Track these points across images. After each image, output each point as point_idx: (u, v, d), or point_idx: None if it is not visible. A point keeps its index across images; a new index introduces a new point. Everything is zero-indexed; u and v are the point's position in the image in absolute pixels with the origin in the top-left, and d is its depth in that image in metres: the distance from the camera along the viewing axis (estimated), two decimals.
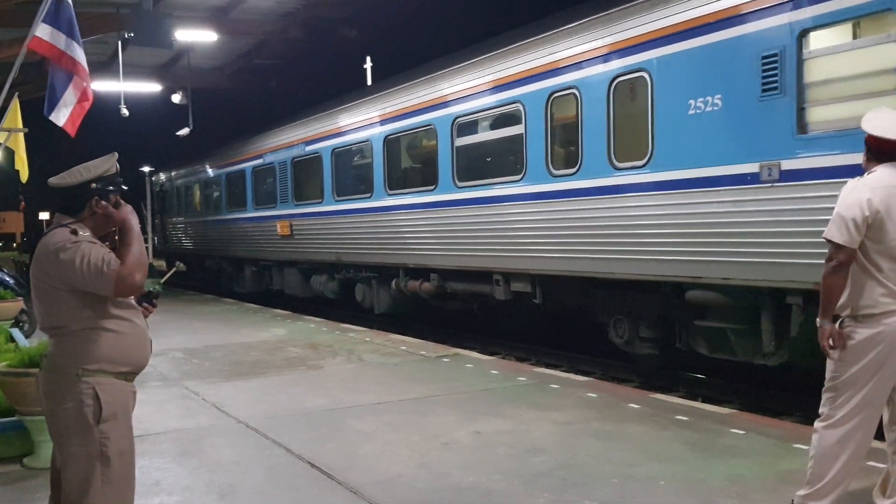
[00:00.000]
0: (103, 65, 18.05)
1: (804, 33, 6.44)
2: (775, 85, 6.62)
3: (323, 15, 15.64)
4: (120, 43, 15.40)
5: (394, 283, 12.85)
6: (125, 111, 16.68)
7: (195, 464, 5.49)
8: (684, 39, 7.40)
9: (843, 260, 3.78)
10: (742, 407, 7.61)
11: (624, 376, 9.42)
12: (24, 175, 10.17)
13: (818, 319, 3.91)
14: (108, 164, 3.41)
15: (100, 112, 10.65)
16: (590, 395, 7.26)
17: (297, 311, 15.85)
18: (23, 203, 34.82)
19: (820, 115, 6.43)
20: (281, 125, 16.78)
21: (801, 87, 6.49)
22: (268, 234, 17.25)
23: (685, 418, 6.25)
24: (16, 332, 9.59)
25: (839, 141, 6.12)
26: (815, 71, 6.44)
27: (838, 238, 3.78)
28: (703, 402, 7.48)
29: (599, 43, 8.32)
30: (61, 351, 3.21)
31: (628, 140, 8.14)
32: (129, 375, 3.32)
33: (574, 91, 8.67)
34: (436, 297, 12.14)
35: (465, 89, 10.51)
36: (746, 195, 6.86)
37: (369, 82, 18.74)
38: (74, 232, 3.21)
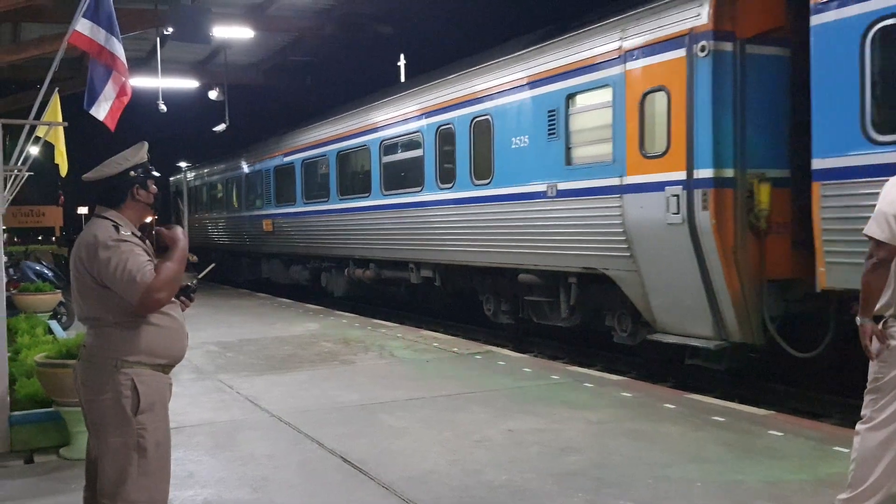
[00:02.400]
0: (142, 61, 18.22)
1: (570, 97, 9.28)
2: (554, 130, 9.47)
3: (358, 11, 15.66)
4: (158, 39, 15.56)
5: (346, 271, 15.81)
6: (163, 107, 16.84)
7: (229, 456, 5.52)
8: (509, 94, 10.31)
9: (883, 257, 3.69)
10: (780, 408, 7.47)
11: (659, 376, 9.31)
12: (64, 169, 10.30)
13: (858, 318, 3.82)
14: (141, 151, 3.43)
15: (138, 107, 10.78)
16: (624, 394, 7.19)
17: (330, 307, 15.94)
18: (62, 197, 35.36)
19: (578, 152, 9.28)
20: (266, 140, 20.49)
21: (568, 133, 9.35)
22: (256, 231, 20.52)
23: (721, 419, 6.16)
24: (54, 324, 9.74)
25: (587, 170, 9.01)
26: (575, 122, 9.32)
27: (878, 234, 3.68)
28: (740, 402, 7.36)
29: (465, 92, 11.34)
30: (100, 342, 3.23)
31: (481, 163, 10.93)
32: (166, 368, 3.33)
33: (451, 125, 11.61)
34: (374, 282, 14.98)
35: (389, 119, 13.58)
36: (541, 206, 9.68)
37: (402, 79, 18.82)
38: (117, 228, 3.23)
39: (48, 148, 10.94)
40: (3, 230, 6.73)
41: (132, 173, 3.37)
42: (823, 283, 6.57)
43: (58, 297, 11.58)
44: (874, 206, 3.66)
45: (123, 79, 6.28)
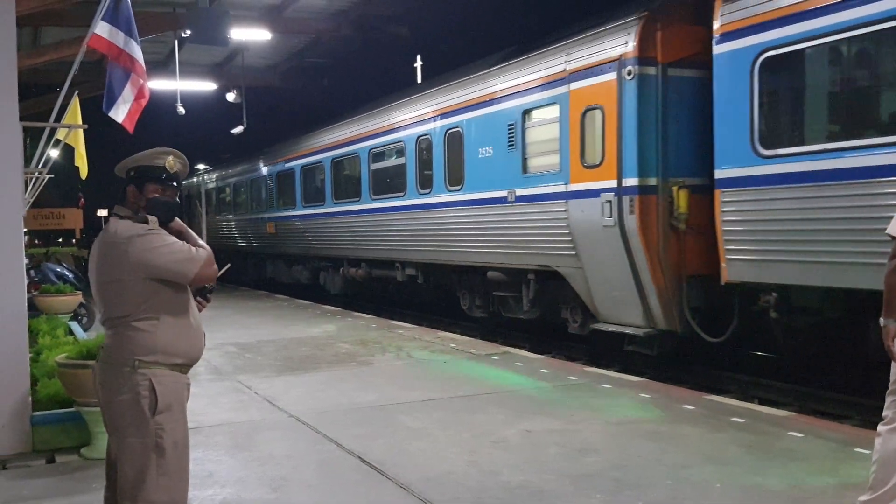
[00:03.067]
0: (160, 64, 18.34)
1: (526, 112, 10.31)
2: (513, 142, 10.54)
3: (374, 13, 15.66)
4: (176, 42, 15.65)
5: (341, 270, 17.05)
6: (181, 109, 16.94)
7: (247, 457, 5.54)
8: (477, 109, 11.38)
9: None
10: (800, 409, 7.43)
11: (677, 377, 9.27)
12: (84, 171, 10.39)
13: (882, 319, 3.78)
14: (164, 154, 3.45)
15: (157, 110, 10.86)
16: (642, 395, 7.16)
17: (347, 308, 15.97)
18: (82, 200, 35.61)
19: (532, 162, 10.31)
20: (269, 146, 21.71)
21: (524, 145, 10.39)
22: (261, 233, 21.84)
23: (741, 420, 6.12)
24: (74, 325, 9.83)
25: (540, 178, 10.04)
26: (530, 135, 10.36)
27: None
28: (760, 404, 7.31)
29: (440, 106, 12.42)
30: (118, 343, 3.25)
31: (454, 171, 11.97)
32: (184, 367, 3.35)
33: (429, 136, 12.72)
34: (366, 280, 16.13)
35: (376, 129, 14.66)
36: (503, 210, 10.74)
37: (419, 80, 18.87)
38: (145, 221, 3.28)
39: (68, 150, 11.04)
40: (24, 232, 6.79)
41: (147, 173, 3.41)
42: (726, 277, 7.65)
43: (78, 298, 11.68)
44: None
45: (142, 81, 6.33)
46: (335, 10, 15.42)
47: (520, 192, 10.40)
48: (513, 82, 10.59)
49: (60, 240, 46.93)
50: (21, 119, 6.08)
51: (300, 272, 19.90)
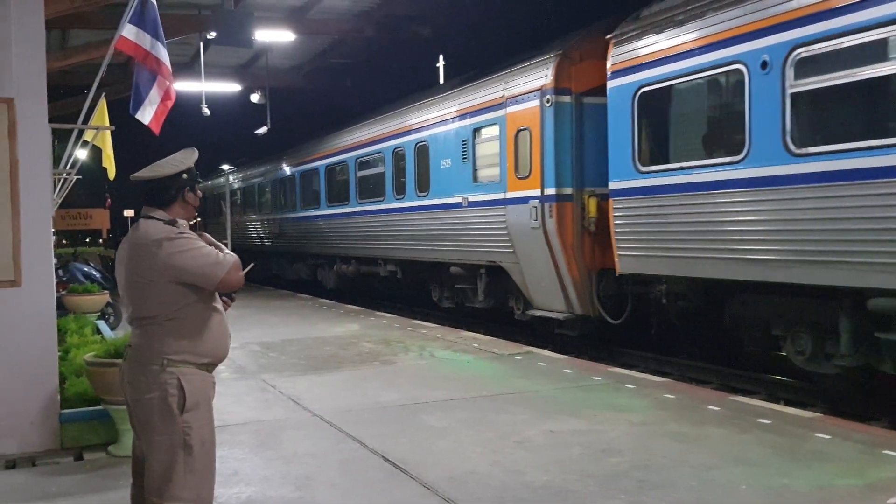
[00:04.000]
0: (186, 65, 18.49)
1: (476, 130, 12.11)
2: (466, 156, 12.33)
3: (397, 13, 15.70)
4: (202, 44, 15.79)
5: (334, 267, 18.96)
6: (206, 110, 17.08)
7: (272, 455, 5.58)
8: (440, 126, 13.17)
9: None
10: (827, 411, 7.34)
11: (702, 378, 9.21)
12: (112, 172, 10.49)
13: None
14: (193, 156, 3.50)
15: (182, 111, 10.95)
16: (667, 395, 7.11)
17: (370, 308, 16.03)
18: (109, 200, 35.98)
19: (481, 173, 12.06)
20: (274, 154, 23.71)
21: (475, 158, 12.15)
22: (266, 232, 24.14)
23: (767, 421, 6.06)
24: (102, 324, 9.93)
25: (486, 186, 11.78)
26: (479, 150, 12.09)
27: None
28: (786, 405, 7.25)
29: (411, 122, 14.27)
30: (147, 342, 3.29)
31: (422, 179, 13.77)
32: (210, 367, 3.38)
33: (403, 148, 14.48)
34: (356, 276, 18.05)
35: (362, 140, 16.59)
36: (460, 213, 12.49)
37: (441, 80, 18.90)
38: (174, 223, 3.32)
39: (95, 152, 11.15)
40: (53, 232, 6.88)
41: (185, 176, 3.44)
42: (619, 269, 9.36)
43: (105, 297, 11.80)
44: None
45: (168, 83, 6.38)
46: (358, 11, 15.49)
47: (472, 198, 12.16)
48: (467, 104, 12.38)
49: (88, 240, 47.45)
50: (49, 121, 6.17)
51: (301, 269, 21.95)
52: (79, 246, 33.52)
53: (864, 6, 6.35)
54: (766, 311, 7.93)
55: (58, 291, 9.30)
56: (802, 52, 6.90)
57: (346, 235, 17.62)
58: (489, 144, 11.75)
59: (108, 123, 9.75)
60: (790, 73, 7.02)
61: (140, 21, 6.22)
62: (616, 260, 9.31)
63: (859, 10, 6.39)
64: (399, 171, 14.68)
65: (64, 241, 38.05)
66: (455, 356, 9.53)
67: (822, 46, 6.73)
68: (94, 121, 9.19)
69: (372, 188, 16.11)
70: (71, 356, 6.67)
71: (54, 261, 7.46)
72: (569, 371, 8.45)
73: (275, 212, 23.14)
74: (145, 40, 6.22)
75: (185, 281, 3.25)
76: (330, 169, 18.57)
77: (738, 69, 7.58)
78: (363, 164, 16.53)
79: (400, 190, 14.64)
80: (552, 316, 10.66)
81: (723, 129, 8.19)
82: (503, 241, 11.31)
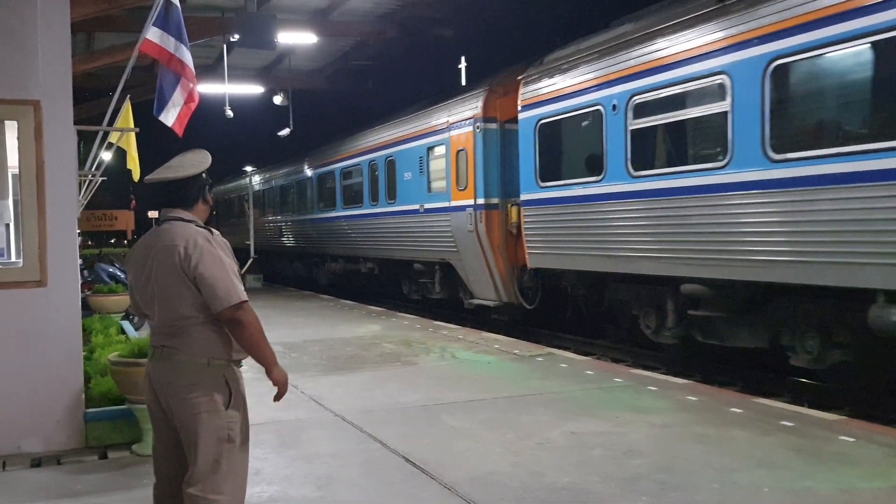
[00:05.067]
0: (209, 68, 18.62)
1: (429, 149, 14.42)
2: (423, 170, 14.68)
3: (419, 15, 15.70)
4: (225, 47, 15.90)
5: (325, 265, 21.67)
6: (230, 112, 17.19)
7: (294, 455, 5.61)
8: (403, 144, 15.59)
9: None
10: (851, 413, 7.25)
11: (725, 380, 9.14)
12: (136, 174, 10.60)
13: None
14: (208, 157, 3.52)
15: (205, 113, 11.04)
16: (689, 397, 7.07)
17: (391, 309, 16.06)
18: (133, 201, 36.37)
19: (433, 185, 14.34)
20: (276, 163, 26.62)
21: (429, 172, 14.47)
22: (269, 233, 26.31)
23: (790, 424, 6.01)
24: (126, 324, 10.01)
25: (436, 196, 14.11)
26: (432, 165, 14.41)
27: None
28: (810, 407, 7.18)
29: (382, 139, 16.75)
30: (188, 342, 3.31)
31: (391, 188, 16.20)
32: (239, 363, 3.46)
33: (376, 162, 17.00)
34: (344, 273, 20.58)
35: (345, 153, 19.17)
36: (417, 218, 14.80)
37: (464, 82, 18.94)
38: (209, 230, 3.33)
39: (120, 153, 11.26)
40: (78, 233, 6.95)
41: (204, 175, 3.47)
42: (529, 264, 11.71)
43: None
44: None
45: (191, 85, 6.44)
46: (380, 13, 15.51)
47: (426, 205, 14.49)
48: (423, 126, 14.78)
49: (113, 241, 47.93)
50: (75, 123, 6.23)
51: (299, 267, 24.76)
52: (104, 247, 33.84)
53: (669, 69, 8.75)
54: (628, 295, 10.19)
55: (83, 292, 9.41)
56: (637, 98, 9.24)
57: (333, 237, 20.15)
58: (439, 161, 14.05)
59: (132, 125, 9.85)
60: (630, 114, 9.36)
61: (164, 24, 6.28)
62: (527, 257, 11.64)
63: (665, 71, 8.80)
64: (374, 181, 17.15)
65: (89, 242, 38.49)
66: (476, 357, 9.53)
67: (647, 96, 9.10)
68: (118, 123, 9.29)
69: (353, 196, 18.62)
70: (96, 356, 6.74)
71: (80, 261, 7.54)
72: (590, 372, 8.42)
73: (277, 215, 25.83)
74: (169, 43, 6.28)
75: (198, 285, 3.25)
76: (320, 178, 21.17)
77: (598, 109, 9.94)
78: (346, 174, 19.08)
79: (374, 197, 17.14)
80: (487, 304, 12.97)
81: (591, 155, 10.24)
82: (450, 242, 13.61)
